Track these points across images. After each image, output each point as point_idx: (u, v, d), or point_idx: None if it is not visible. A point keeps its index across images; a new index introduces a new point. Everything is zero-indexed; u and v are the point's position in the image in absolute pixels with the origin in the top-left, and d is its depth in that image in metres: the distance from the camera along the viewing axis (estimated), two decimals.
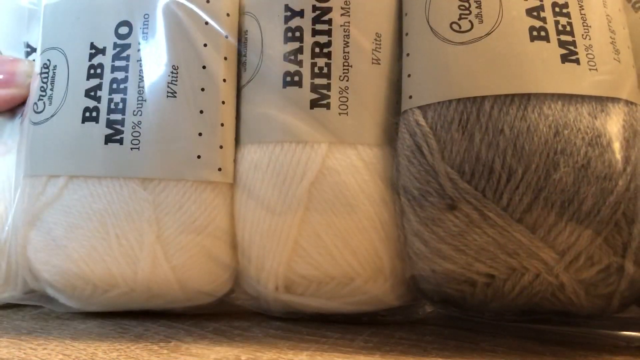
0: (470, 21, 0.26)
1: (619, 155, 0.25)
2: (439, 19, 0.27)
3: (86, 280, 0.28)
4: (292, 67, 0.28)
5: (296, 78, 0.28)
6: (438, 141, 0.26)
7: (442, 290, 0.27)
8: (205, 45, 0.29)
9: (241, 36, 0.30)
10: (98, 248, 0.28)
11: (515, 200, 0.24)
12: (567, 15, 0.26)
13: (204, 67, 0.29)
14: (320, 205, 0.27)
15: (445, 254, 0.26)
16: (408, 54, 0.28)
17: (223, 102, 0.29)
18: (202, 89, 0.29)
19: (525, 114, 0.25)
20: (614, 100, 0.25)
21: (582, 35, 0.26)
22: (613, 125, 0.25)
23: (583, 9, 0.26)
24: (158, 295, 0.29)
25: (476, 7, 0.26)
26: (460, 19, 0.26)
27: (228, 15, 0.30)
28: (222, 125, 0.29)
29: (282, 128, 0.28)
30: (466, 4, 0.26)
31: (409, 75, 0.28)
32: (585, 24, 0.26)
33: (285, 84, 0.28)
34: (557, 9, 0.26)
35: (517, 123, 0.24)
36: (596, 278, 0.25)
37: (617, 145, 0.25)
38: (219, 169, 0.29)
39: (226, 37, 0.30)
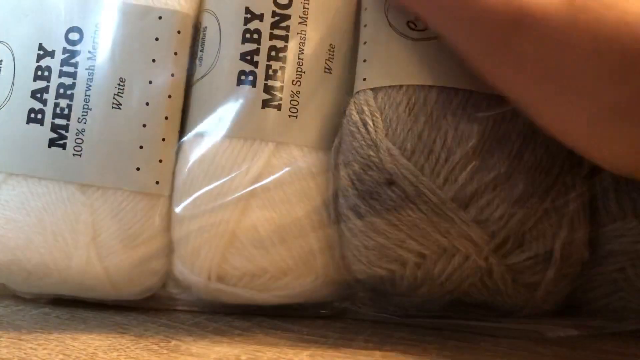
0: None
1: None
2: (398, 16, 0.28)
3: (21, 267, 0.29)
4: (248, 67, 0.29)
5: (251, 78, 0.29)
6: (384, 119, 0.27)
7: (372, 270, 0.28)
8: (153, 60, 0.30)
9: (198, 34, 0.31)
10: (34, 241, 0.29)
11: (451, 179, 0.26)
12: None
13: (150, 82, 0.30)
14: (260, 201, 0.28)
15: (378, 228, 0.27)
16: (365, 42, 0.30)
17: (166, 118, 0.30)
18: (147, 104, 0.30)
19: (466, 105, 0.26)
20: None
21: None
22: None
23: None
24: (90, 289, 0.30)
25: None
26: (417, 19, 0.28)
27: (179, 32, 0.31)
28: (163, 140, 0.30)
29: (232, 124, 0.29)
30: None
31: (364, 60, 0.29)
32: None
33: (240, 82, 0.29)
34: None
35: (459, 111, 0.26)
36: (523, 265, 0.26)
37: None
38: (157, 182, 0.30)
39: (175, 54, 0.30)
